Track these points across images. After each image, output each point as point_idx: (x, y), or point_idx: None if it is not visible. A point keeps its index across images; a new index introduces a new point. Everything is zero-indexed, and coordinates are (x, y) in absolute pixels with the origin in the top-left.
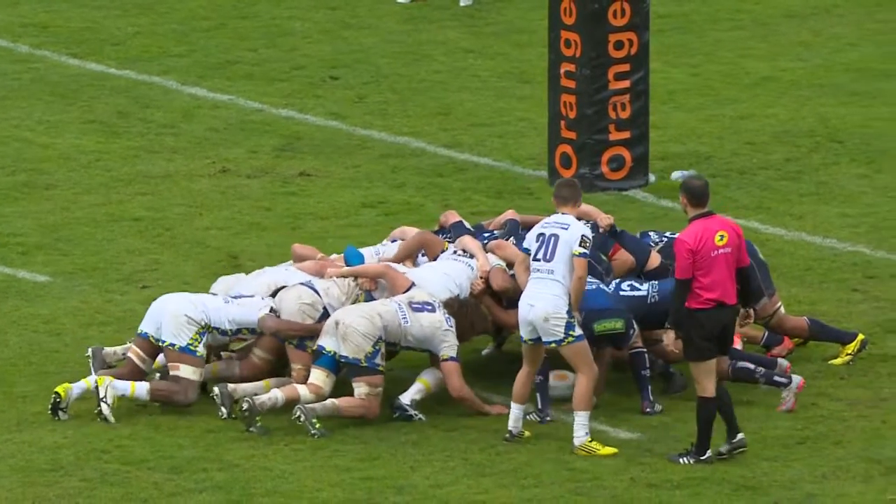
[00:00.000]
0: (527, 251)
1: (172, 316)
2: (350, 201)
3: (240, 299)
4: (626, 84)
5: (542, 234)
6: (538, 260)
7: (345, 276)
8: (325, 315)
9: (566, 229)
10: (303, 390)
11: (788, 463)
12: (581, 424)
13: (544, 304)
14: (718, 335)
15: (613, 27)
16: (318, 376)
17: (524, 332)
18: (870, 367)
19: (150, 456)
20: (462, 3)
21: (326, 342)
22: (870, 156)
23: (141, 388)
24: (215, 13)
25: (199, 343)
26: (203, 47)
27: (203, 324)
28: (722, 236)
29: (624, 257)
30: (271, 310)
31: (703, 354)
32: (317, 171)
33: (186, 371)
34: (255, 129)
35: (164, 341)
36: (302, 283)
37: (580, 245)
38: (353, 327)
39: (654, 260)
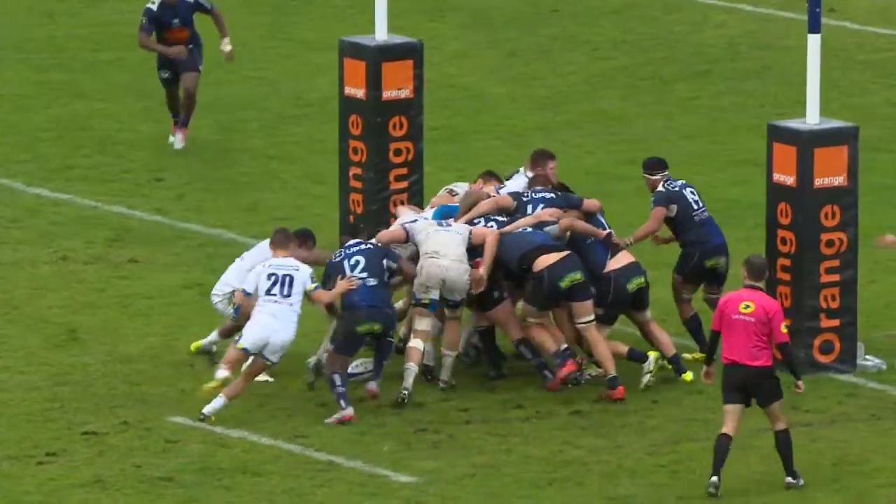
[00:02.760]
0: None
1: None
2: (172, 283)
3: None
4: (404, 185)
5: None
6: None
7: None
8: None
9: None
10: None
11: (540, 501)
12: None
13: None
14: (740, 388)
15: (393, 137)
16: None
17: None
18: (606, 420)
19: None
20: (176, 147)
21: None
22: None
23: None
24: (55, 126)
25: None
26: (45, 154)
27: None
28: (748, 305)
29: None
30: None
31: (725, 398)
32: (144, 258)
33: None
34: (91, 223)
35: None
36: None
37: None
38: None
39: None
